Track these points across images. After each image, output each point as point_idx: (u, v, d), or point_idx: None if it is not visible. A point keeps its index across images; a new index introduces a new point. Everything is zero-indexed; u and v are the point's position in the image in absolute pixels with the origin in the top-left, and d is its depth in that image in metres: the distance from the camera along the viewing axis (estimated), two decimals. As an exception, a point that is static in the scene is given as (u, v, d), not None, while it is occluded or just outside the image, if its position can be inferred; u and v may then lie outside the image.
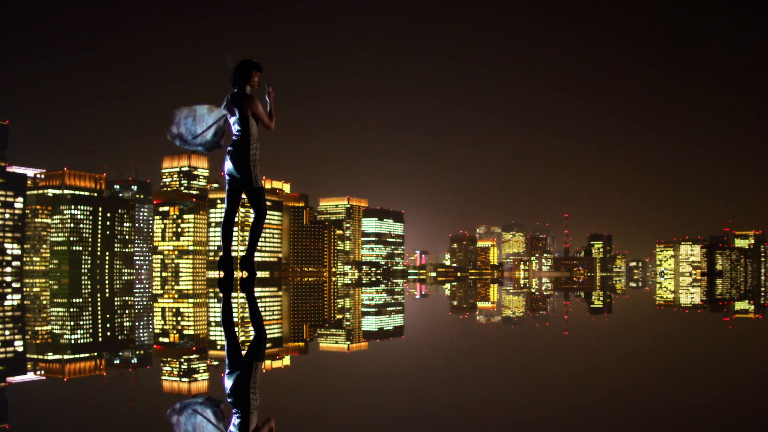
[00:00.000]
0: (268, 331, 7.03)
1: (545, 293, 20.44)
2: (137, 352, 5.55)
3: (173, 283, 30.47)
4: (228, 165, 6.88)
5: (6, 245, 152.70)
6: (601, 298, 16.43)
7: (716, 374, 4.59)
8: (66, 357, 5.27)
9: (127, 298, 14.87)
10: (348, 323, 8.43)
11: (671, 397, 3.73)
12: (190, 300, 14.22)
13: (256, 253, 7.53)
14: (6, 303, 13.16)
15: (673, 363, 5.10)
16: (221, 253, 7.28)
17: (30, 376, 4.35)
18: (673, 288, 26.82)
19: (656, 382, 4.23)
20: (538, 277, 52.41)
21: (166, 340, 6.45)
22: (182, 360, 5.09)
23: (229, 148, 6.77)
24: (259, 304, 11.69)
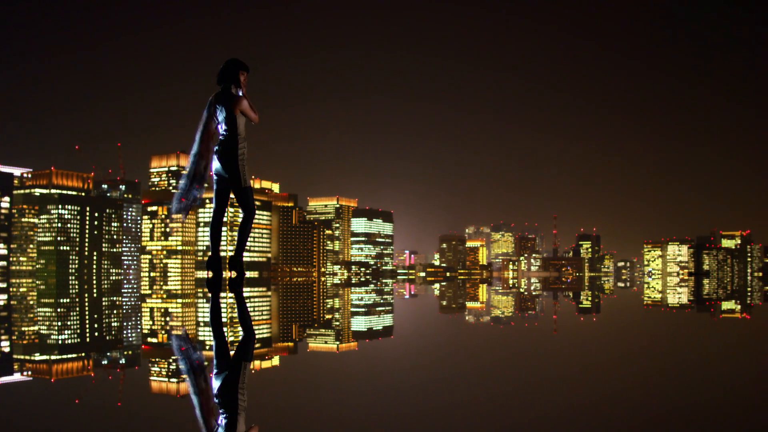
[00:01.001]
0: (256, 332, 7.01)
1: (534, 293, 20.51)
2: (124, 353, 5.53)
3: (161, 283, 30.33)
4: (216, 164, 6.86)
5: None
6: (590, 298, 16.51)
7: (703, 373, 4.62)
8: (53, 358, 5.24)
9: (115, 298, 14.80)
10: (337, 323, 8.43)
11: (659, 396, 3.75)
12: (179, 300, 14.17)
13: (245, 253, 7.51)
14: (-8, 303, 13.06)
15: (660, 362, 5.14)
16: (210, 253, 7.25)
17: (16, 377, 4.32)
18: (660, 288, 26.98)
19: (644, 381, 4.26)
20: (527, 277, 52.58)
21: (154, 340, 6.42)
22: (170, 360, 5.07)
23: (216, 148, 6.75)
24: (248, 305, 11.65)
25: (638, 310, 11.93)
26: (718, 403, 3.64)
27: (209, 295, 13.83)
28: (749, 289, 26.12)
